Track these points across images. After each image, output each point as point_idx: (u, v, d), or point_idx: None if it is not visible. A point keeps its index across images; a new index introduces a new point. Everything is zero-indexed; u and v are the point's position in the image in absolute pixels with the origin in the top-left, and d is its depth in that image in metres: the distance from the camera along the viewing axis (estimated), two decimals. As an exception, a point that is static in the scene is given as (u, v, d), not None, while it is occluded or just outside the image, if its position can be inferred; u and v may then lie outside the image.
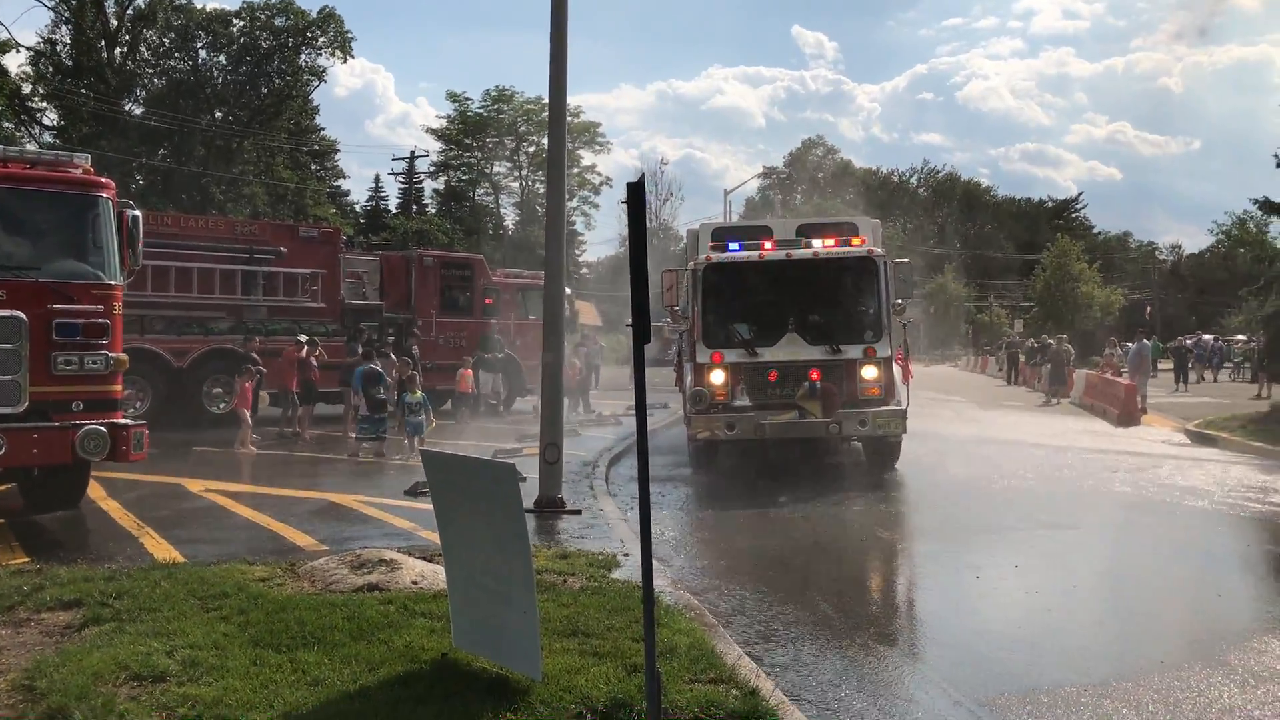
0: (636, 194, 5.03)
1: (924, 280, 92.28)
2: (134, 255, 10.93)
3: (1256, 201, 24.22)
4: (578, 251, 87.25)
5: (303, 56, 56.46)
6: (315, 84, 59.10)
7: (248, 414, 17.37)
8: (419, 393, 16.52)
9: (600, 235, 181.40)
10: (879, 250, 15.37)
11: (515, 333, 24.13)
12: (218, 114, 55.52)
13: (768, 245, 15.56)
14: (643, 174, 4.09)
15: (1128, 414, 24.36)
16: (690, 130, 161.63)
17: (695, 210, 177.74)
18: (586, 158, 77.75)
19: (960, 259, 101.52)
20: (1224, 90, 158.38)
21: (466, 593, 6.01)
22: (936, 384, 41.01)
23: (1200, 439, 21.32)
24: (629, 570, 8.55)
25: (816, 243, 15.49)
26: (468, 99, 73.73)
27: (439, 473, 6.26)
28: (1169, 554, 10.47)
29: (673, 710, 5.35)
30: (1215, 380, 41.24)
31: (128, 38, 53.88)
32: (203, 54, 55.63)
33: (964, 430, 22.37)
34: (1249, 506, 13.42)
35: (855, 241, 15.50)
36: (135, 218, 10.93)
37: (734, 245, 15.62)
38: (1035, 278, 65.32)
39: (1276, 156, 22.82)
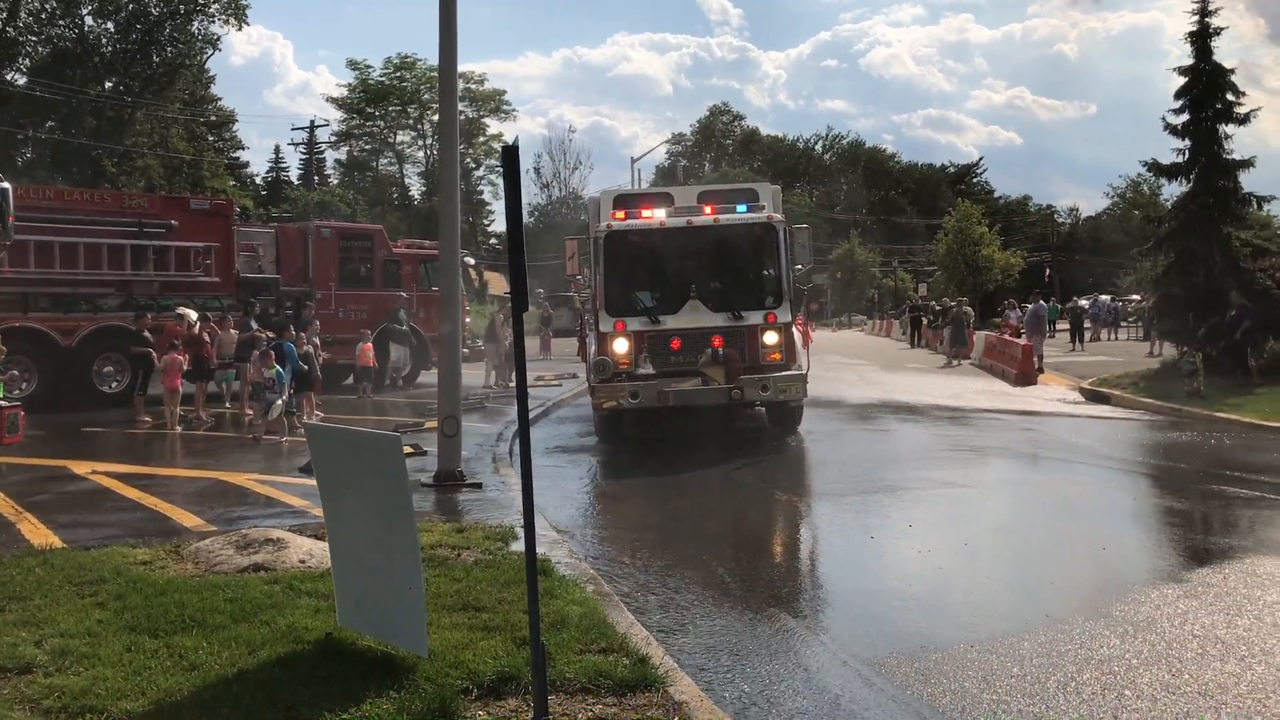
0: (511, 158, 4.91)
1: (831, 246, 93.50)
2: (3, 229, 10.47)
3: (1146, 164, 24.84)
4: (486, 221, 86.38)
5: (195, 24, 54.58)
6: (210, 52, 57.34)
7: (175, 390, 16.80)
8: (275, 367, 15.76)
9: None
10: (779, 216, 15.40)
11: (418, 304, 23.71)
12: (108, 84, 53.52)
13: (668, 212, 15.50)
14: (517, 138, 3.96)
15: (1025, 373, 24.93)
16: (598, 98, 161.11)
17: (605, 178, 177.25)
18: (493, 126, 76.81)
19: (866, 225, 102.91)
20: (1118, 56, 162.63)
21: (351, 569, 5.87)
22: (843, 348, 41.52)
23: (1094, 396, 21.90)
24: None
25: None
26: (369, 67, 72.29)
27: (323, 446, 6.10)
28: (1059, 510, 10.71)
29: (561, 681, 5.29)
30: (1113, 339, 42.45)
31: (7, 3, 51.56)
32: (89, 20, 53.46)
33: (867, 393, 22.69)
34: (1137, 461, 13.85)
35: (755, 208, 15.52)
36: (3, 190, 10.45)
37: (635, 213, 15.53)
38: (938, 242, 66.39)
39: (1164, 120, 23.40)
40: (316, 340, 18.59)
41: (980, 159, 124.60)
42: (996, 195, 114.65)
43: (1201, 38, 22.93)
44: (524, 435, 5.20)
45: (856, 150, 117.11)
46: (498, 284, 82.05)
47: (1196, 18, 22.96)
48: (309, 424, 6.85)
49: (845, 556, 9.02)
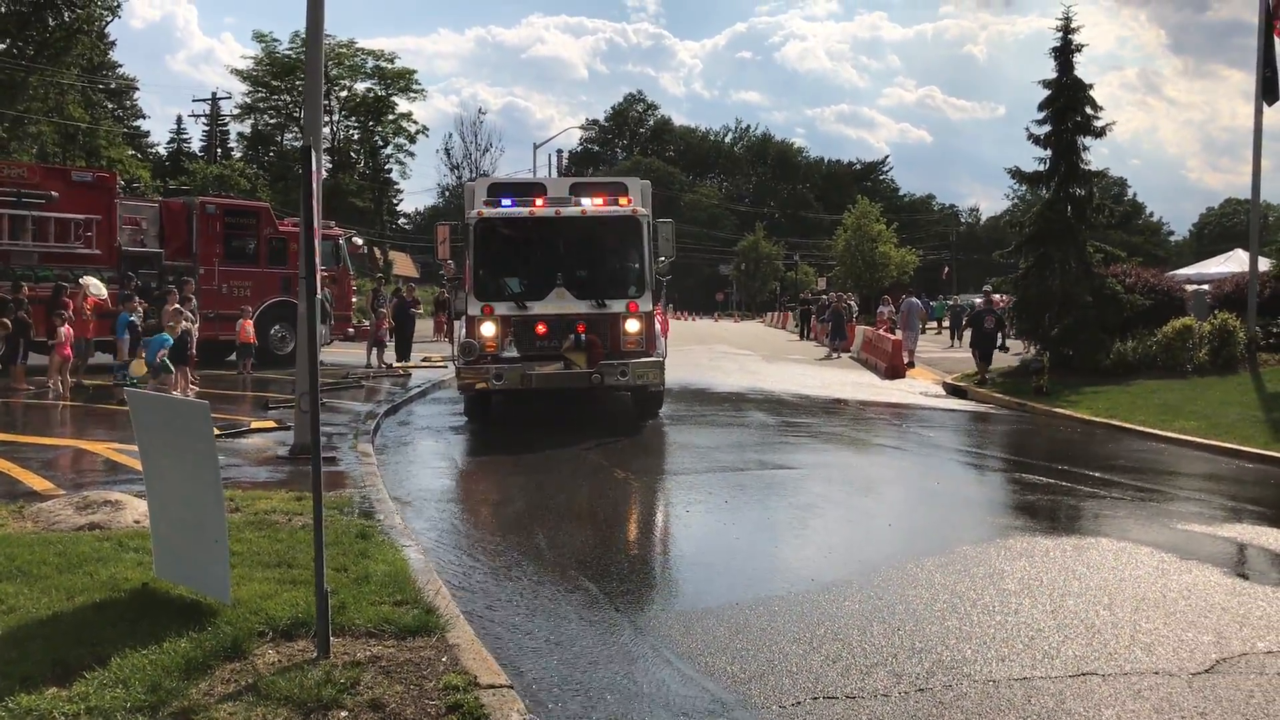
0: (306, 157, 5.52)
1: (737, 238, 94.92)
2: None
3: (1010, 171, 26.06)
4: (394, 201, 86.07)
5: (94, -13, 53.44)
6: (109, 18, 56.20)
7: (63, 359, 17.13)
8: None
9: (418, 184, 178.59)
10: (644, 210, 16.13)
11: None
12: (-1, 46, 52.20)
13: (539, 202, 16.13)
14: (310, 139, 4.43)
15: (893, 367, 26.11)
16: (512, 79, 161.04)
17: (517, 161, 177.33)
18: (402, 105, 76.48)
19: (773, 218, 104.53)
20: (1025, 59, 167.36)
21: (165, 524, 6.43)
22: (733, 339, 42.64)
23: (953, 390, 23.11)
24: (362, 512, 9.07)
25: (586, 201, 16.14)
26: (275, 40, 71.41)
27: (141, 411, 6.61)
28: (867, 490, 11.63)
29: (349, 627, 5.92)
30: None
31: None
32: (-22, -20, 52.01)
33: (739, 381, 23.61)
34: (960, 450, 14.91)
35: (623, 201, 16.24)
36: None
37: (507, 201, 16.15)
38: (836, 237, 67.99)
39: (1029, 130, 24.65)
40: (189, 315, 18.77)
41: (887, 156, 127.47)
42: (902, 193, 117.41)
43: (1064, 53, 24.17)
44: (314, 398, 5.79)
45: (765, 144, 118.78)
46: (405, 265, 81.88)
47: (1060, 34, 24.23)
48: (128, 390, 7.32)
49: (657, 529, 9.82)
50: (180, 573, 6.33)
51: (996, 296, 25.77)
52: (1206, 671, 5.89)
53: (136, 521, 8.03)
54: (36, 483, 10.07)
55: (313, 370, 5.79)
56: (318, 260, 6.38)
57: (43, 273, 20.33)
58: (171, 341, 16.74)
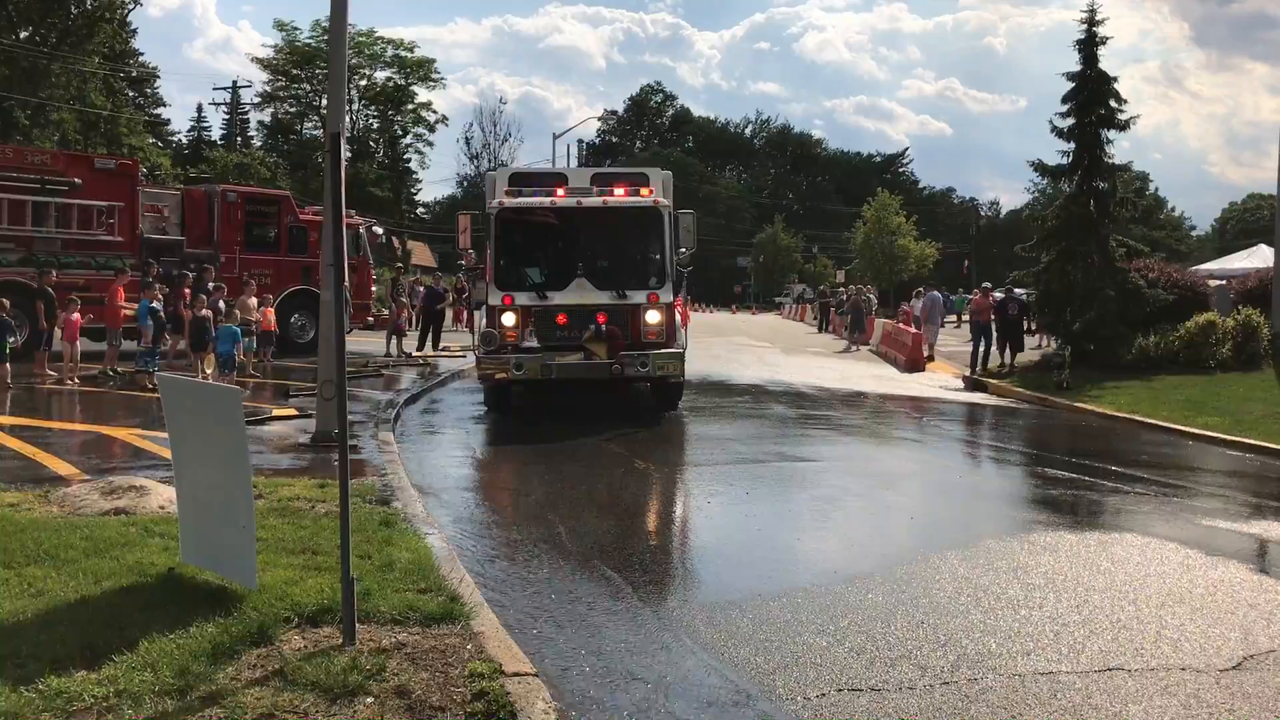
0: (335, 144, 5.52)
1: (756, 230, 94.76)
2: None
3: (1033, 164, 25.88)
4: (412, 190, 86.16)
5: (116, -25, 53.64)
6: (131, 6, 56.37)
7: (73, 346, 17.35)
8: None
9: (437, 174, 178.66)
10: (665, 201, 16.09)
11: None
12: (22, 34, 52.43)
13: (560, 192, 16.11)
14: (341, 126, 4.45)
15: (912, 360, 26.03)
16: (529, 69, 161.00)
17: (536, 151, 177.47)
18: (421, 94, 76.49)
19: (793, 210, 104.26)
20: (1046, 51, 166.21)
21: (193, 509, 6.46)
22: (755, 331, 42.51)
23: (973, 384, 22.99)
24: (383, 500, 9.09)
25: (607, 192, 16.11)
26: (296, 28, 71.55)
27: (172, 396, 6.65)
28: (887, 483, 11.57)
29: (374, 614, 5.94)
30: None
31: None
32: (3, -32, 52.23)
33: (758, 374, 23.56)
34: (980, 444, 14.86)
35: (644, 192, 16.20)
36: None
37: (528, 191, 16.14)
38: (856, 230, 67.79)
39: (1051, 123, 24.51)
40: (204, 301, 18.79)
41: (906, 149, 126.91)
42: (921, 186, 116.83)
43: (1089, 45, 24.01)
44: (341, 386, 5.80)
45: (785, 136, 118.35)
46: (423, 254, 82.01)
47: (1085, 27, 24.05)
48: (160, 375, 7.35)
49: (679, 519, 9.83)
50: (206, 558, 6.36)
51: (997, 294, 25.56)
52: (1234, 668, 5.86)
53: (161, 507, 8.07)
54: (61, 467, 10.13)
55: (340, 358, 5.79)
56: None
57: (66, 259, 20.41)
58: (241, 335, 17.04)
